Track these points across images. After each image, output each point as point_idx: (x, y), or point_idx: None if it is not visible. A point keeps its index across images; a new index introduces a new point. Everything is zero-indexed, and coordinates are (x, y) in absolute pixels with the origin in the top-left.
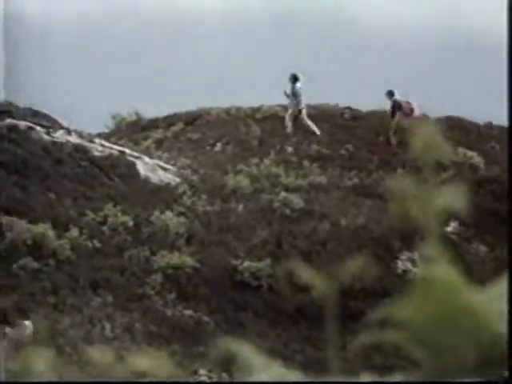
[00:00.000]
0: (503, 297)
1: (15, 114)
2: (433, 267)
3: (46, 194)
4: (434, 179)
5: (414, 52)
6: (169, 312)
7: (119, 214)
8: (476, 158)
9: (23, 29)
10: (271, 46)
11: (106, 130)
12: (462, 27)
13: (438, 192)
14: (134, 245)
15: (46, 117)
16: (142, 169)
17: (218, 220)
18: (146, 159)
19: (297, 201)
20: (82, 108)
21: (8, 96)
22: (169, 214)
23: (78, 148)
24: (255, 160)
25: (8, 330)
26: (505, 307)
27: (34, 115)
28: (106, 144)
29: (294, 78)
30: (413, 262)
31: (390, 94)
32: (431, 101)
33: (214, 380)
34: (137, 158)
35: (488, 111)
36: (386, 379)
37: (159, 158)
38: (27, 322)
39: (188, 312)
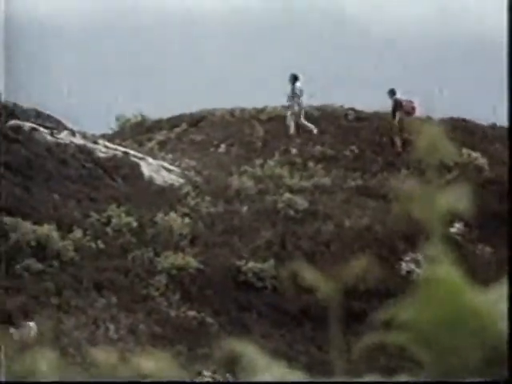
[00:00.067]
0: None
1: (19, 115)
2: (437, 268)
3: (49, 195)
4: (439, 180)
5: (413, 52)
6: (173, 313)
7: (123, 215)
8: (480, 159)
9: (24, 29)
10: (271, 46)
11: (110, 131)
12: (462, 27)
13: (442, 193)
14: (138, 246)
15: (49, 118)
16: (145, 170)
17: (222, 221)
18: (150, 160)
19: (301, 202)
20: (83, 108)
21: (8, 96)
22: (173, 215)
23: (81, 149)
24: (259, 161)
25: (12, 330)
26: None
27: (38, 116)
28: (110, 145)
29: (294, 78)
30: (417, 262)
31: (392, 92)
32: (431, 101)
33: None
34: (141, 159)
35: (487, 111)
36: (389, 379)
37: (163, 159)
38: (31, 323)
39: (192, 313)
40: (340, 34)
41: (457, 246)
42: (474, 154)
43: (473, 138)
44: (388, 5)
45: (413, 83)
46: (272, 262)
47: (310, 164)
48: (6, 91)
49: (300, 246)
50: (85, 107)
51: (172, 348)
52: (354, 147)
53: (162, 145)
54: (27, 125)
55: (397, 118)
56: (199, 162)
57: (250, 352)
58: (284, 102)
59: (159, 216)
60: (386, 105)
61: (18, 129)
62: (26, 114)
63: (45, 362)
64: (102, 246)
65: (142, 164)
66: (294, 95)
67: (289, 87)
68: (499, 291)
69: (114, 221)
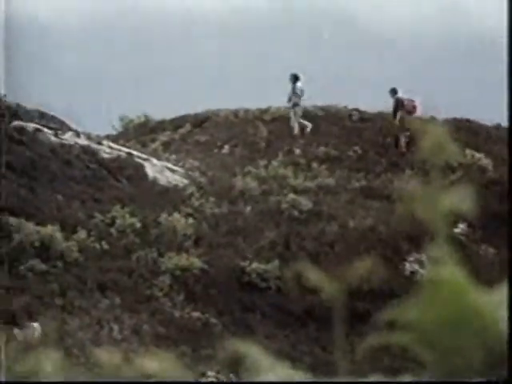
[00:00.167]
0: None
1: (23, 115)
2: (440, 269)
3: (53, 196)
4: (442, 181)
5: (414, 52)
6: (177, 314)
7: (127, 215)
8: (484, 160)
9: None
10: (271, 46)
11: (110, 132)
12: (462, 27)
13: (445, 194)
14: (142, 246)
15: (53, 119)
16: (150, 171)
17: (226, 222)
18: (154, 161)
19: (305, 202)
20: (82, 108)
21: (8, 96)
22: (177, 215)
23: (85, 150)
24: (263, 162)
25: (16, 331)
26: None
27: (42, 117)
28: (114, 146)
29: (295, 78)
30: (421, 263)
31: (393, 91)
32: (431, 101)
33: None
34: (145, 159)
35: (487, 111)
36: (392, 379)
37: (167, 159)
38: (35, 324)
39: (196, 314)
40: (340, 34)
41: (460, 247)
42: (478, 155)
43: (477, 138)
44: (388, 5)
45: (413, 83)
46: (276, 262)
47: (314, 164)
48: (6, 91)
49: (304, 247)
50: (85, 107)
51: (176, 348)
52: (357, 148)
53: (166, 145)
54: (31, 126)
55: (398, 117)
56: (203, 162)
57: (253, 353)
58: (283, 100)
59: (163, 217)
60: (387, 104)
61: (21, 130)
62: (29, 115)
63: (49, 362)
64: (106, 246)
65: (146, 165)
66: (295, 95)
67: (289, 87)
68: (503, 292)
69: (118, 221)
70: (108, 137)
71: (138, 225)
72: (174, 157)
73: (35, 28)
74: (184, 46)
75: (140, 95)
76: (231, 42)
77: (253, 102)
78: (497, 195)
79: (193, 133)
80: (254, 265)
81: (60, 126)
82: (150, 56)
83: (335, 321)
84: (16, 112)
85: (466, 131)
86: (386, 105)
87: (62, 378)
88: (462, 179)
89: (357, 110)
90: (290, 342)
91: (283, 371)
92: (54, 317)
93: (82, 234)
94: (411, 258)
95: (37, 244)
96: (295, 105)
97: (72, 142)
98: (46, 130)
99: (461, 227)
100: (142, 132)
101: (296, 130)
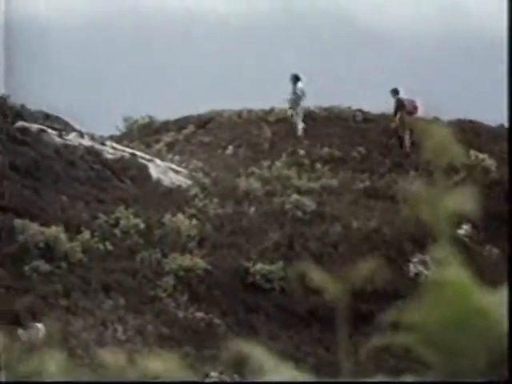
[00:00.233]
0: None
1: (26, 116)
2: (444, 270)
3: (57, 197)
4: (446, 182)
5: (414, 52)
6: (181, 314)
7: (131, 216)
8: (488, 161)
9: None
10: (271, 46)
11: (111, 132)
12: (462, 27)
13: (449, 195)
14: (146, 247)
15: (57, 119)
16: (153, 171)
17: (230, 222)
18: (158, 162)
19: (309, 203)
20: (82, 108)
21: (9, 95)
22: (180, 216)
23: (89, 151)
24: (267, 162)
25: (20, 331)
26: None
27: (46, 118)
28: (118, 147)
29: (296, 79)
30: (425, 264)
31: (395, 92)
32: (431, 101)
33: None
34: (149, 160)
35: (487, 111)
36: (396, 379)
37: (171, 160)
38: (39, 325)
39: (200, 314)
40: (340, 34)
41: (464, 248)
42: (482, 156)
43: (480, 139)
44: (388, 5)
45: (413, 83)
46: (280, 263)
47: (318, 165)
48: (6, 91)
49: (308, 248)
50: (85, 107)
51: (180, 349)
52: (361, 148)
53: (170, 146)
54: (35, 126)
55: (397, 117)
56: (207, 163)
57: (257, 353)
58: (285, 102)
59: (167, 217)
60: (388, 105)
61: (25, 130)
62: (33, 116)
63: (53, 363)
64: (110, 247)
65: (150, 166)
66: (296, 95)
67: (290, 87)
68: (507, 292)
69: (121, 222)
70: (112, 137)
71: (142, 225)
72: (177, 157)
73: (35, 28)
74: (184, 45)
75: (140, 95)
76: (231, 42)
77: (253, 102)
78: (501, 196)
79: (196, 133)
80: (258, 265)
81: (64, 127)
82: (150, 56)
83: (339, 322)
84: (20, 113)
85: (469, 132)
86: (387, 105)
87: (66, 379)
88: (465, 180)
89: (360, 110)
90: (294, 342)
91: (287, 372)
92: (58, 317)
93: (86, 234)
94: (415, 259)
95: (41, 245)
96: (296, 105)
97: (76, 143)
98: (50, 130)
99: (465, 228)
100: (145, 133)
101: (300, 131)
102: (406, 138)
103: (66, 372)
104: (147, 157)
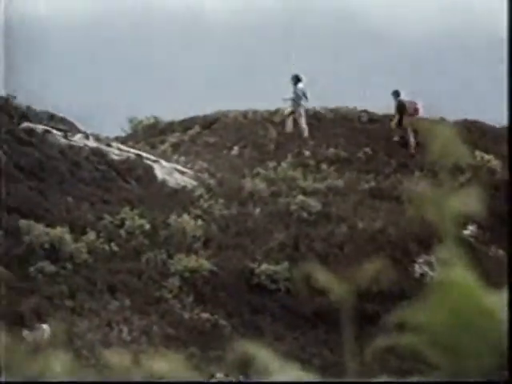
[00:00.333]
0: None
1: (32, 117)
2: (450, 270)
3: (63, 198)
4: (452, 182)
5: (414, 52)
6: (186, 315)
7: (136, 217)
8: (493, 161)
9: (24, 29)
10: (271, 46)
11: (123, 134)
12: (462, 27)
13: (455, 195)
14: (151, 248)
15: (63, 120)
16: (159, 172)
17: (235, 223)
18: (163, 163)
19: (314, 204)
20: (83, 108)
21: (8, 95)
22: (186, 217)
23: (95, 151)
24: (272, 163)
25: (26, 332)
26: None
27: (51, 119)
28: (124, 147)
29: (296, 79)
30: (430, 265)
31: (396, 94)
32: (431, 100)
33: None
34: (154, 161)
35: (487, 111)
36: (401, 380)
37: (176, 161)
38: (45, 326)
39: (205, 315)
40: (340, 34)
41: (470, 249)
42: (487, 156)
43: (485, 139)
44: (390, 4)
45: (413, 83)
46: (285, 264)
47: (323, 166)
48: (6, 91)
49: (313, 248)
50: (84, 107)
51: (185, 350)
52: (367, 149)
53: (175, 147)
54: (40, 127)
55: (395, 119)
56: (212, 164)
57: (262, 354)
58: (284, 102)
59: (172, 218)
60: (389, 106)
61: (30, 131)
62: (38, 117)
63: (58, 364)
64: (115, 248)
65: (156, 166)
66: (297, 96)
67: (291, 88)
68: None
69: (127, 223)
70: (117, 138)
71: (147, 226)
72: (183, 158)
73: (35, 28)
74: (185, 45)
75: (141, 95)
76: (231, 42)
77: (253, 102)
78: (506, 196)
79: (202, 134)
80: (264, 266)
81: (69, 128)
82: (150, 55)
83: (344, 322)
84: (25, 114)
85: (475, 132)
86: (388, 106)
87: (72, 380)
88: (471, 181)
89: (366, 111)
90: (300, 343)
91: (292, 373)
92: (63, 318)
93: (91, 235)
94: (420, 260)
95: (46, 245)
96: (297, 106)
97: (81, 144)
98: (55, 131)
99: (470, 229)
100: (151, 133)
101: (305, 132)
102: (411, 138)
103: (71, 373)
104: (152, 158)
